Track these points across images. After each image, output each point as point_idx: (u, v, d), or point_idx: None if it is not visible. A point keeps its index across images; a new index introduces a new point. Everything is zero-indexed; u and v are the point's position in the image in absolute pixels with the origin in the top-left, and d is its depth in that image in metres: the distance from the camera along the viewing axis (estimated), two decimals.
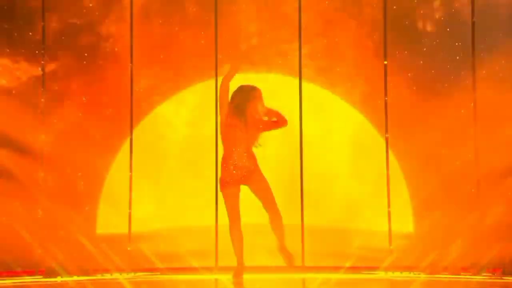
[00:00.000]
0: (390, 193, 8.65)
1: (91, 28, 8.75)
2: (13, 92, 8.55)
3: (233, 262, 7.11)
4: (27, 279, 8.03)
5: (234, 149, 6.84)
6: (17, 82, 8.62)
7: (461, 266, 8.24)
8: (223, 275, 7.89)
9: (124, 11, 8.78)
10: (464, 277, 8.01)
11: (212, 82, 8.58)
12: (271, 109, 6.97)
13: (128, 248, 8.56)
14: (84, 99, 8.70)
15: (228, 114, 6.86)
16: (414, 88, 8.72)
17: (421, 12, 8.78)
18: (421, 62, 8.72)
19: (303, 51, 8.76)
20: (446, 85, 8.67)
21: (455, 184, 8.45)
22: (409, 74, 8.74)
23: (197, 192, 8.52)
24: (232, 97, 6.89)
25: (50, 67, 8.72)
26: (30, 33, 8.66)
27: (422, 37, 8.74)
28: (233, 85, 6.98)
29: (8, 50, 8.61)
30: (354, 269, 8.32)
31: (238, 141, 6.83)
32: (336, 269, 8.32)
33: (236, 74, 6.99)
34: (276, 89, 8.37)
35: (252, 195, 6.95)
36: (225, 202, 6.93)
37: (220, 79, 7.08)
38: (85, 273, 8.18)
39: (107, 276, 8.24)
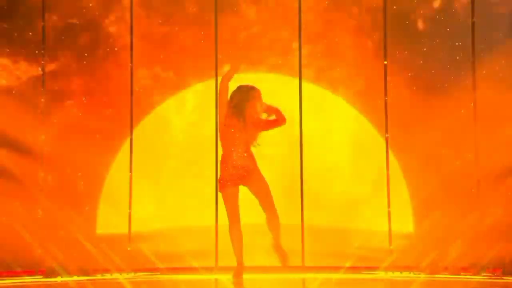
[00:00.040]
0: (390, 193, 8.65)
1: (91, 28, 8.75)
2: (13, 92, 8.55)
3: (233, 262, 7.11)
4: (27, 279, 8.03)
5: (233, 149, 6.84)
6: (17, 82, 8.62)
7: (461, 266, 8.24)
8: (223, 275, 7.89)
9: (124, 11, 8.78)
10: (464, 277, 8.01)
11: (212, 82, 8.58)
12: (270, 105, 6.95)
13: (128, 248, 8.56)
14: (84, 99, 8.70)
15: (227, 114, 6.85)
16: (414, 88, 8.72)
17: (421, 12, 8.78)
18: (421, 62, 8.72)
19: (303, 51, 8.76)
20: (446, 85, 8.67)
21: (455, 184, 8.45)
22: (409, 74, 8.74)
23: (197, 192, 8.52)
24: (231, 97, 6.89)
25: (50, 67, 8.72)
26: (30, 33, 8.66)
27: (422, 37, 8.74)
28: (233, 85, 6.98)
29: (8, 50, 8.61)
30: (354, 269, 8.32)
31: (237, 141, 6.83)
32: (336, 269, 8.32)
33: (236, 74, 6.99)
34: (276, 89, 8.36)
35: (252, 195, 6.95)
36: (225, 203, 6.93)
37: (220, 79, 7.08)
38: (85, 273, 8.18)
39: (107, 276, 8.24)
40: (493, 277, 8.00)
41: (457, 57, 8.69)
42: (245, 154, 6.85)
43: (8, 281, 7.65)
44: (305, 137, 8.70)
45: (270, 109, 6.95)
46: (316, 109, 8.78)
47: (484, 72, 8.57)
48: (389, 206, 8.63)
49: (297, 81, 8.74)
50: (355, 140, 8.79)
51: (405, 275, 8.31)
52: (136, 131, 8.73)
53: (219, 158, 6.97)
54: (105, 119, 8.65)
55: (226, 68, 7.33)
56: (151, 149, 8.73)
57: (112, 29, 8.79)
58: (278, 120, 6.96)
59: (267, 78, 8.68)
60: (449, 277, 8.03)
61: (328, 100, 8.84)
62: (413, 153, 8.55)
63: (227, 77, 6.90)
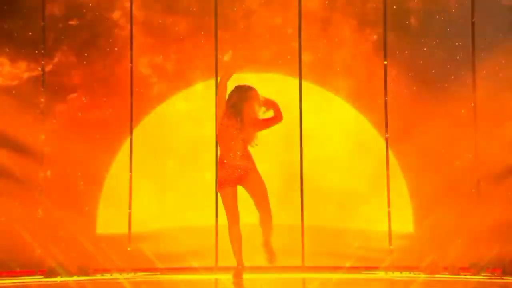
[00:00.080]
0: (390, 193, 8.65)
1: (91, 28, 8.74)
2: (13, 92, 8.54)
3: (233, 262, 7.12)
4: (27, 279, 8.02)
5: (230, 149, 6.83)
6: (17, 82, 8.61)
7: (461, 266, 8.24)
8: (223, 275, 7.89)
9: (124, 11, 8.78)
10: (464, 277, 8.00)
11: (212, 82, 8.56)
12: (268, 99, 6.93)
13: (128, 248, 8.56)
14: (84, 99, 8.70)
15: (224, 113, 6.85)
16: (414, 88, 8.72)
17: (422, 12, 8.77)
18: (421, 62, 8.72)
19: (303, 51, 8.75)
20: (446, 85, 8.67)
21: (455, 184, 8.44)
22: (409, 74, 8.74)
23: (197, 192, 8.51)
24: (229, 97, 6.88)
25: (50, 67, 8.71)
26: (30, 33, 8.66)
27: (422, 37, 8.74)
28: (232, 85, 6.99)
29: (8, 50, 8.60)
30: (354, 269, 8.32)
31: (235, 141, 6.82)
32: (336, 269, 8.33)
33: (236, 74, 6.99)
34: (276, 89, 8.35)
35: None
36: (223, 203, 6.92)
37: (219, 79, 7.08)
38: (85, 273, 8.18)
39: (107, 276, 8.24)
40: (493, 277, 8.00)
41: (457, 57, 8.70)
42: (243, 154, 6.85)
43: (8, 281, 7.65)
44: (305, 137, 8.69)
45: (268, 103, 6.92)
46: (316, 109, 8.78)
47: (484, 72, 8.57)
48: (389, 206, 8.63)
49: (297, 81, 8.74)
50: (355, 140, 8.79)
51: (405, 275, 8.31)
52: (136, 131, 8.72)
53: (217, 158, 6.97)
54: (105, 119, 8.65)
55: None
56: (151, 149, 8.73)
57: (112, 29, 8.78)
58: (275, 117, 6.95)
59: (267, 78, 8.67)
60: (449, 277, 8.03)
61: (328, 100, 8.83)
62: (413, 153, 8.55)
63: (225, 77, 6.90)
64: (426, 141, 8.47)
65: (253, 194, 6.89)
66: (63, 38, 8.71)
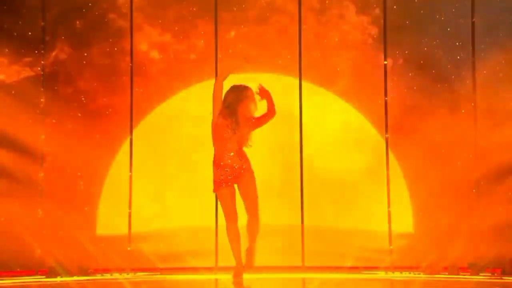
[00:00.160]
0: (390, 193, 8.65)
1: (91, 28, 8.74)
2: (13, 92, 8.54)
3: (233, 262, 7.10)
4: (27, 279, 8.03)
5: (225, 149, 6.79)
6: (17, 82, 8.61)
7: (461, 266, 8.24)
8: (223, 275, 7.89)
9: (124, 10, 8.78)
10: (464, 277, 8.00)
11: (212, 82, 8.53)
12: (263, 87, 6.87)
13: (128, 248, 8.56)
14: (84, 99, 8.70)
15: (220, 113, 6.81)
16: (414, 88, 8.72)
17: (422, 12, 8.77)
18: (421, 62, 8.72)
19: (303, 51, 8.76)
20: (446, 85, 8.68)
21: (455, 184, 8.45)
22: (409, 74, 8.74)
23: (197, 192, 8.51)
24: (225, 97, 6.85)
25: (50, 67, 8.71)
26: (30, 33, 8.66)
27: (422, 37, 8.74)
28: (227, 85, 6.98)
29: (7, 50, 8.60)
30: (354, 269, 8.32)
31: (230, 141, 6.78)
32: (336, 269, 8.33)
33: (236, 74, 6.97)
34: (276, 89, 8.34)
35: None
36: (221, 203, 6.88)
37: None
38: (85, 273, 8.18)
39: (107, 276, 8.25)
40: (493, 277, 8.00)
41: (457, 57, 8.70)
42: (238, 154, 6.80)
43: (8, 281, 7.65)
44: (305, 137, 8.71)
45: (263, 91, 6.86)
46: (316, 109, 8.79)
47: (484, 72, 8.57)
48: (389, 206, 8.63)
49: (297, 81, 8.74)
50: (355, 140, 8.78)
51: (405, 275, 8.32)
52: (136, 131, 8.73)
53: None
54: (105, 119, 8.65)
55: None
56: (151, 149, 8.73)
57: (112, 29, 8.79)
58: (269, 113, 6.89)
59: (267, 78, 8.65)
60: (449, 277, 8.03)
61: (328, 100, 8.84)
62: (413, 153, 8.55)
63: (222, 77, 6.87)
64: (426, 141, 8.47)
65: (244, 195, 6.83)
66: (63, 38, 8.71)
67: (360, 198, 8.67)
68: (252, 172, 6.83)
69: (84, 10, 8.75)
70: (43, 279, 8.03)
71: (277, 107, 6.91)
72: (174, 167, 8.71)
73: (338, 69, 8.83)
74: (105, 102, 8.69)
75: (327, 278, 7.85)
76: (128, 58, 8.74)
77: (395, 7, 8.78)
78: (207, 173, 6.76)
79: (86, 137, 8.53)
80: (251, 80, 7.03)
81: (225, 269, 7.95)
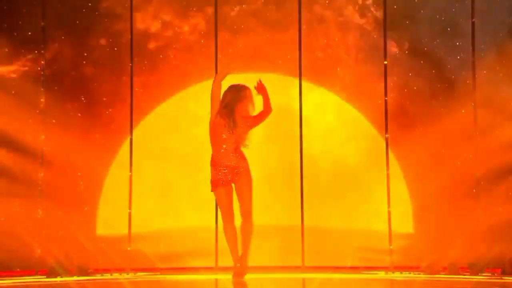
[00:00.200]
0: (390, 193, 8.65)
1: (91, 28, 8.74)
2: (13, 92, 8.53)
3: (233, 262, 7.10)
4: (27, 279, 8.02)
5: (222, 149, 6.79)
6: (17, 82, 8.60)
7: (460, 266, 8.24)
8: (223, 275, 7.89)
9: (124, 10, 8.77)
10: (464, 277, 8.00)
11: (211, 82, 8.55)
12: (261, 83, 6.87)
13: (128, 248, 8.56)
14: (84, 99, 8.70)
15: (217, 113, 6.81)
16: (414, 88, 8.72)
17: (422, 11, 8.78)
18: (421, 62, 8.72)
19: (303, 51, 8.75)
20: (446, 85, 8.68)
21: (455, 184, 8.45)
22: (409, 74, 8.74)
23: (197, 192, 8.50)
24: (223, 97, 6.85)
25: (50, 67, 8.71)
26: (30, 33, 8.65)
27: (422, 37, 8.74)
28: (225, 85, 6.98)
29: (7, 50, 8.60)
30: (354, 269, 8.32)
31: (227, 140, 6.79)
32: (336, 269, 8.33)
33: (236, 74, 6.97)
34: (276, 89, 8.34)
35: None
36: (218, 202, 6.89)
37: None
38: (85, 273, 8.18)
39: (107, 276, 8.24)
40: (493, 277, 8.00)
41: (457, 57, 8.70)
42: (236, 154, 6.81)
43: (8, 281, 7.65)
44: (305, 138, 8.70)
45: (260, 87, 6.86)
46: (316, 109, 8.79)
47: (484, 72, 8.58)
48: (389, 206, 8.63)
49: (297, 81, 8.74)
50: (355, 140, 8.78)
51: (405, 275, 8.32)
52: (136, 131, 8.72)
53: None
54: (105, 119, 8.65)
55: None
56: (151, 149, 8.72)
57: (112, 29, 8.78)
58: (265, 111, 6.90)
59: (267, 78, 8.63)
60: (449, 277, 8.03)
61: (328, 100, 8.84)
62: (413, 153, 8.55)
63: (220, 76, 6.88)
64: (426, 141, 8.47)
65: (238, 196, 6.83)
66: (63, 38, 8.70)
67: (360, 198, 8.66)
68: (249, 173, 6.83)
69: (84, 10, 8.75)
70: (43, 279, 8.03)
71: (277, 108, 6.92)
72: (174, 167, 8.71)
73: (338, 69, 8.82)
74: (105, 102, 8.69)
75: (327, 278, 7.86)
76: (128, 58, 8.74)
77: (395, 7, 8.78)
78: (207, 173, 6.78)
79: (86, 137, 8.53)
80: (251, 80, 7.04)
81: (225, 269, 7.93)
